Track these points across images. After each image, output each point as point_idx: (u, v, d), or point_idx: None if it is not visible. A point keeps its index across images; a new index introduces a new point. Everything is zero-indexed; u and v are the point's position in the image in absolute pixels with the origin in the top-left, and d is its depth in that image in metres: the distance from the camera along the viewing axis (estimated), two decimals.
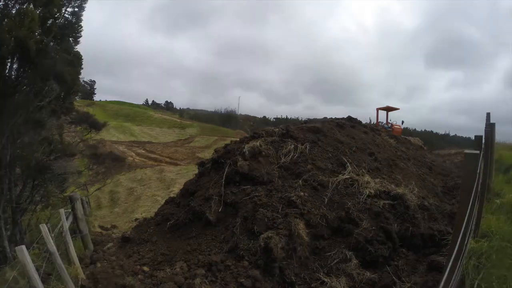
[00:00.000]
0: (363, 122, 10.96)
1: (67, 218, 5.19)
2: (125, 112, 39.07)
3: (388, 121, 15.47)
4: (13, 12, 6.79)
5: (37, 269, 3.42)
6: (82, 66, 9.02)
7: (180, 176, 14.42)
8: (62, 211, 4.91)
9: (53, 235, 4.30)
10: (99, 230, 8.40)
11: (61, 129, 9.42)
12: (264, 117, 55.54)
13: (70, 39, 8.66)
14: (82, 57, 8.95)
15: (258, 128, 10.81)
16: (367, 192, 5.54)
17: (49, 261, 4.08)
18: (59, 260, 3.97)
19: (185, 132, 31.91)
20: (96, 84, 53.08)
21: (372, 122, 14.45)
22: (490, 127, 4.82)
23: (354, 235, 4.82)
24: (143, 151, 23.59)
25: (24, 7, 6.79)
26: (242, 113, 51.20)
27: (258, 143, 6.76)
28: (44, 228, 3.91)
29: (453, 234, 2.63)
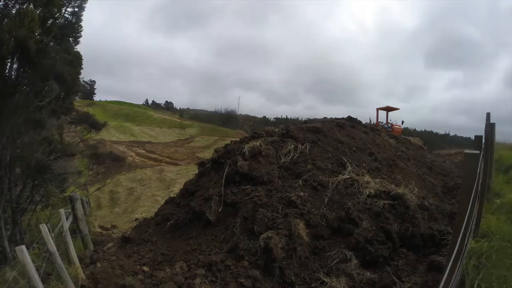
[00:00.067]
0: (363, 122, 10.97)
1: (67, 218, 5.19)
2: (125, 112, 39.06)
3: (388, 121, 15.48)
4: (13, 12, 6.79)
5: (37, 269, 3.42)
6: (82, 66, 9.04)
7: (180, 176, 14.42)
8: (62, 211, 4.91)
9: (53, 235, 4.30)
10: (99, 230, 8.40)
11: (61, 129, 9.42)
12: (264, 117, 55.57)
13: (70, 39, 8.66)
14: (82, 57, 8.96)
15: (258, 128, 10.81)
16: (367, 192, 5.54)
17: (49, 261, 4.08)
18: (59, 260, 3.97)
19: (185, 132, 31.91)
20: (96, 84, 53.16)
21: (372, 122, 14.45)
22: (490, 127, 4.82)
23: (354, 235, 4.82)
24: (143, 151, 23.59)
25: (24, 7, 6.79)
26: (242, 113, 51.23)
27: (258, 143, 6.77)
28: (44, 228, 3.91)
29: (453, 234, 2.63)
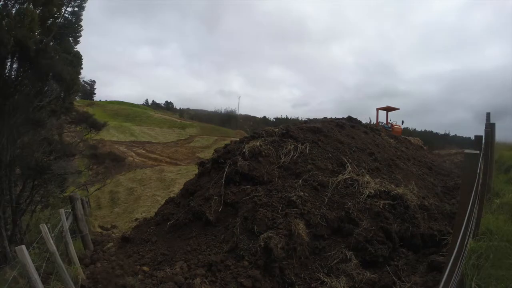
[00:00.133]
0: (363, 122, 10.98)
1: (67, 218, 5.19)
2: (125, 112, 39.03)
3: (388, 121, 15.49)
4: (13, 12, 6.79)
5: (37, 269, 3.42)
6: (82, 66, 9.04)
7: (180, 176, 14.41)
8: (62, 211, 4.92)
9: (53, 235, 4.30)
10: (99, 230, 8.39)
11: (61, 129, 9.42)
12: (264, 117, 55.48)
13: (70, 38, 8.67)
14: (82, 57, 8.97)
15: (258, 128, 10.81)
16: (367, 192, 5.54)
17: (49, 261, 4.08)
18: (59, 260, 3.97)
19: (185, 132, 31.89)
20: (96, 84, 53.15)
21: (372, 122, 14.46)
22: (490, 127, 4.81)
23: (354, 235, 4.82)
24: (143, 151, 23.58)
25: (24, 6, 6.79)
26: (242, 113, 51.23)
27: (258, 143, 6.77)
28: (44, 228, 3.91)
29: (453, 234, 2.63)
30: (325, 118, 9.86)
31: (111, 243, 6.45)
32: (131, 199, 12.19)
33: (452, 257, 2.16)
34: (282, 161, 6.50)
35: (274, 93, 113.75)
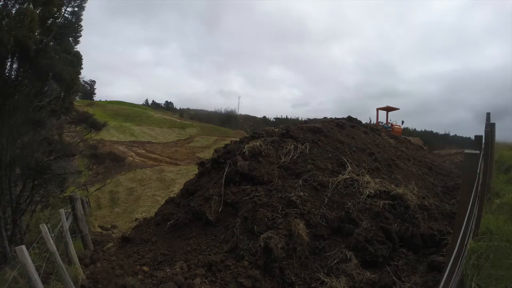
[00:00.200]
0: (363, 122, 10.99)
1: (67, 218, 5.19)
2: (125, 112, 39.03)
3: (388, 121, 15.49)
4: (13, 12, 6.79)
5: (37, 269, 3.42)
6: (82, 66, 9.04)
7: (180, 176, 14.41)
8: (62, 211, 4.92)
9: (53, 235, 4.30)
10: (99, 230, 8.39)
11: (61, 129, 9.42)
12: (264, 117, 55.46)
13: (70, 38, 8.67)
14: (82, 57, 8.97)
15: (258, 128, 10.81)
16: (367, 192, 5.54)
17: (49, 261, 4.08)
18: (59, 260, 3.97)
19: (185, 132, 31.88)
20: (96, 84, 53.15)
21: (372, 122, 14.46)
22: (490, 127, 4.81)
23: (354, 235, 4.82)
24: (143, 151, 23.58)
25: (24, 6, 6.79)
26: (242, 113, 51.23)
27: (258, 143, 6.77)
28: (44, 228, 3.91)
29: (453, 234, 2.63)
30: (325, 118, 9.86)
31: (111, 243, 6.45)
32: (131, 199, 12.19)
33: (452, 257, 2.16)
34: (282, 161, 6.50)
35: (274, 93, 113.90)
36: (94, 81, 52.48)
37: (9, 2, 6.88)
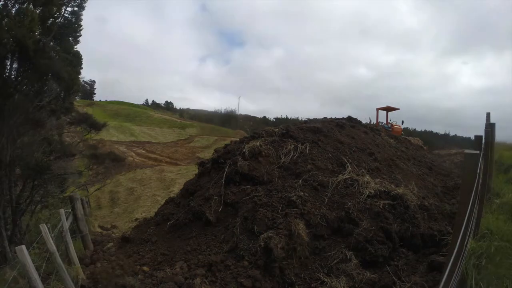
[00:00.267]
0: (363, 122, 10.99)
1: (67, 218, 5.19)
2: (125, 112, 39.00)
3: (388, 121, 15.49)
4: (13, 11, 6.79)
5: (37, 269, 3.42)
6: (82, 66, 9.04)
7: (180, 176, 14.40)
8: (62, 211, 4.92)
9: (53, 235, 4.30)
10: (99, 230, 8.39)
11: (61, 129, 9.41)
12: (264, 117, 55.43)
13: (70, 38, 8.67)
14: (82, 57, 8.97)
15: (258, 128, 10.81)
16: (367, 192, 5.54)
17: (49, 261, 4.08)
18: (59, 260, 3.97)
19: (185, 132, 31.85)
20: (96, 84, 53.14)
21: (372, 122, 14.46)
22: (490, 127, 4.81)
23: (354, 235, 4.82)
24: (143, 151, 23.56)
25: (24, 6, 6.79)
26: (242, 113, 51.21)
27: (258, 143, 6.77)
28: (44, 228, 3.91)
29: (453, 234, 2.63)
30: (325, 118, 9.87)
31: (111, 243, 6.45)
32: (131, 199, 12.19)
33: (452, 257, 2.16)
34: (282, 161, 6.50)
35: None
36: (94, 81, 52.53)
37: (9, 2, 6.88)
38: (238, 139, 8.41)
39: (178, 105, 60.05)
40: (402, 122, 15.28)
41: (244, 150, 6.61)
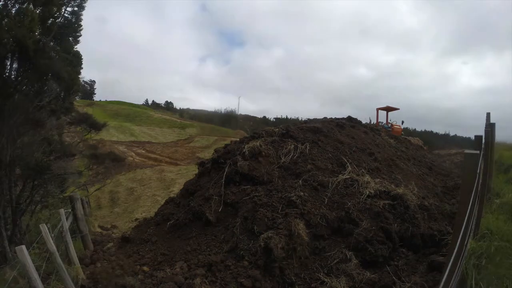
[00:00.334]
0: (363, 122, 10.99)
1: (67, 218, 5.19)
2: (125, 112, 39.00)
3: (388, 121, 15.49)
4: (13, 11, 6.79)
5: (37, 269, 3.42)
6: (82, 66, 9.04)
7: (180, 176, 14.41)
8: (62, 211, 4.92)
9: (53, 235, 4.30)
10: (99, 230, 8.39)
11: (61, 129, 9.41)
12: (264, 117, 55.43)
13: (70, 38, 8.67)
14: (82, 57, 8.97)
15: (258, 128, 10.81)
16: (367, 192, 5.54)
17: (49, 261, 4.08)
18: (59, 260, 3.97)
19: (185, 132, 31.86)
20: (96, 84, 53.15)
21: (372, 122, 14.46)
22: (490, 127, 4.81)
23: (354, 235, 4.82)
24: (143, 151, 23.56)
25: (24, 6, 6.79)
26: (242, 113, 51.20)
27: (258, 143, 6.77)
28: (44, 228, 3.91)
29: (453, 234, 2.63)
30: (325, 118, 9.87)
31: (111, 243, 6.45)
32: (131, 199, 12.19)
33: (452, 257, 2.16)
34: (282, 161, 6.50)
35: None
36: (94, 81, 52.53)
37: (9, 2, 6.88)
38: (238, 139, 8.41)
39: (178, 105, 60.04)
40: (402, 122, 15.29)
41: (244, 150, 6.61)
